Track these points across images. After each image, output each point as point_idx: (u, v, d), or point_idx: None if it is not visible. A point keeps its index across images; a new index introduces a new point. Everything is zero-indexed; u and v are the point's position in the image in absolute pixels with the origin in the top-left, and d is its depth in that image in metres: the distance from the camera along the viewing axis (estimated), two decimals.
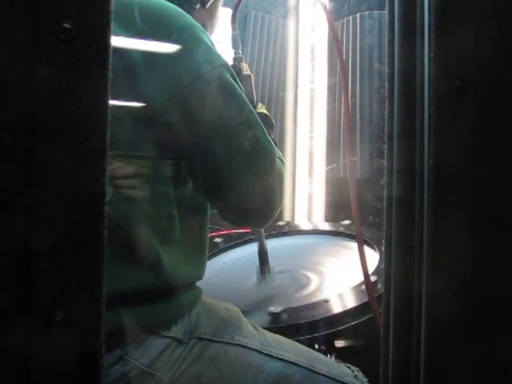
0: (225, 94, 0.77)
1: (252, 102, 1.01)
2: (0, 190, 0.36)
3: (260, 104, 1.08)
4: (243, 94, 0.80)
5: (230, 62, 1.06)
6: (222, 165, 0.78)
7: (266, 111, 1.06)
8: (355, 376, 0.91)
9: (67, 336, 0.37)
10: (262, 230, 1.28)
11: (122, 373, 0.73)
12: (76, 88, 0.37)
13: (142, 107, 0.73)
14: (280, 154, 0.95)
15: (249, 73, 1.08)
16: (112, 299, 0.66)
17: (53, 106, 0.36)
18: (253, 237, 1.62)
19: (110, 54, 0.37)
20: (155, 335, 0.77)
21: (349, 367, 0.93)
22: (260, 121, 0.82)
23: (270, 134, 0.94)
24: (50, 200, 0.37)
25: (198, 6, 0.92)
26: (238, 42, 1.09)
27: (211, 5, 0.96)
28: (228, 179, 0.80)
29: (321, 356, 0.93)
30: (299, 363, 0.85)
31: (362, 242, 0.89)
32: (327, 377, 0.86)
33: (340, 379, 0.87)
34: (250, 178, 0.81)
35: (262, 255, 1.28)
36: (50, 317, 0.36)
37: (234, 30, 1.11)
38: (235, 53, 1.09)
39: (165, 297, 0.78)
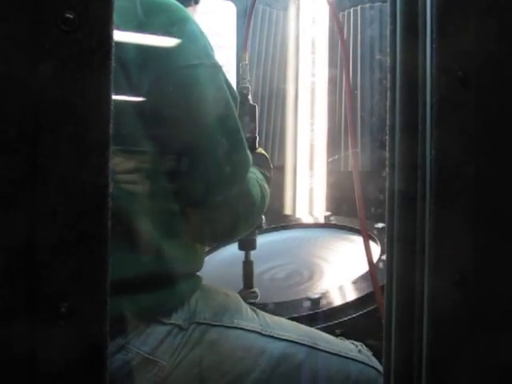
0: (210, 91, 0.77)
1: (254, 131, 1.06)
2: (4, 182, 0.36)
3: (260, 148, 1.10)
4: (229, 97, 0.80)
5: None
6: (190, 165, 0.78)
7: (264, 152, 1.09)
8: (359, 351, 0.90)
9: (72, 327, 0.37)
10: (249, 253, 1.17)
11: (124, 361, 0.74)
12: (79, 79, 0.37)
13: (128, 97, 0.73)
14: (262, 176, 0.96)
15: (254, 104, 1.11)
16: (113, 289, 0.67)
17: (56, 97, 0.36)
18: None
19: (113, 44, 0.37)
20: (156, 323, 0.77)
21: (352, 343, 0.93)
22: (240, 128, 0.82)
23: (266, 175, 0.97)
24: (53, 191, 0.37)
25: (192, 2, 0.94)
26: (246, 71, 1.12)
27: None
28: (200, 183, 0.79)
29: (323, 334, 0.92)
30: (301, 342, 0.84)
31: (367, 235, 0.90)
32: (331, 353, 0.86)
33: (344, 355, 0.87)
34: (220, 188, 0.80)
35: (247, 277, 1.15)
36: (55, 308, 0.37)
37: (244, 60, 1.13)
38: (243, 82, 1.11)
39: (165, 285, 0.79)
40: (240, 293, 1.11)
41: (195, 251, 0.87)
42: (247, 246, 1.11)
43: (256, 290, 1.12)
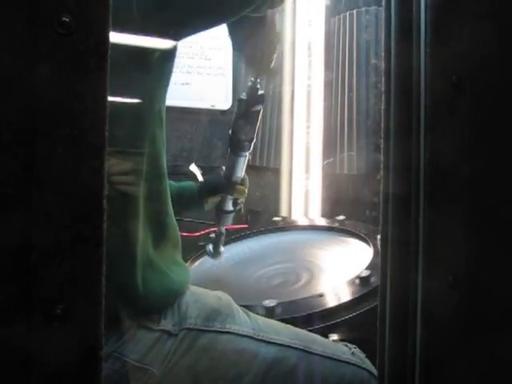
0: None
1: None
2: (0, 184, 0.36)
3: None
4: None
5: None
6: None
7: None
8: (352, 353, 0.90)
9: (67, 328, 0.37)
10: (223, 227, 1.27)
11: (112, 370, 0.72)
12: (75, 82, 0.37)
13: None
14: None
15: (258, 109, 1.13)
16: None
17: (52, 99, 0.36)
18: (249, 232, 1.63)
19: (109, 47, 0.37)
20: (144, 329, 0.76)
21: (345, 345, 0.92)
22: None
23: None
24: (49, 194, 0.37)
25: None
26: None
27: None
28: None
29: (316, 336, 0.91)
30: (294, 345, 0.84)
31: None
32: (324, 356, 0.85)
33: (337, 357, 0.86)
34: None
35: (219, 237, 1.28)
36: (50, 309, 0.37)
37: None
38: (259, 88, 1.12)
39: (151, 290, 0.78)
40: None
41: (178, 251, 0.86)
42: (222, 221, 1.25)
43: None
